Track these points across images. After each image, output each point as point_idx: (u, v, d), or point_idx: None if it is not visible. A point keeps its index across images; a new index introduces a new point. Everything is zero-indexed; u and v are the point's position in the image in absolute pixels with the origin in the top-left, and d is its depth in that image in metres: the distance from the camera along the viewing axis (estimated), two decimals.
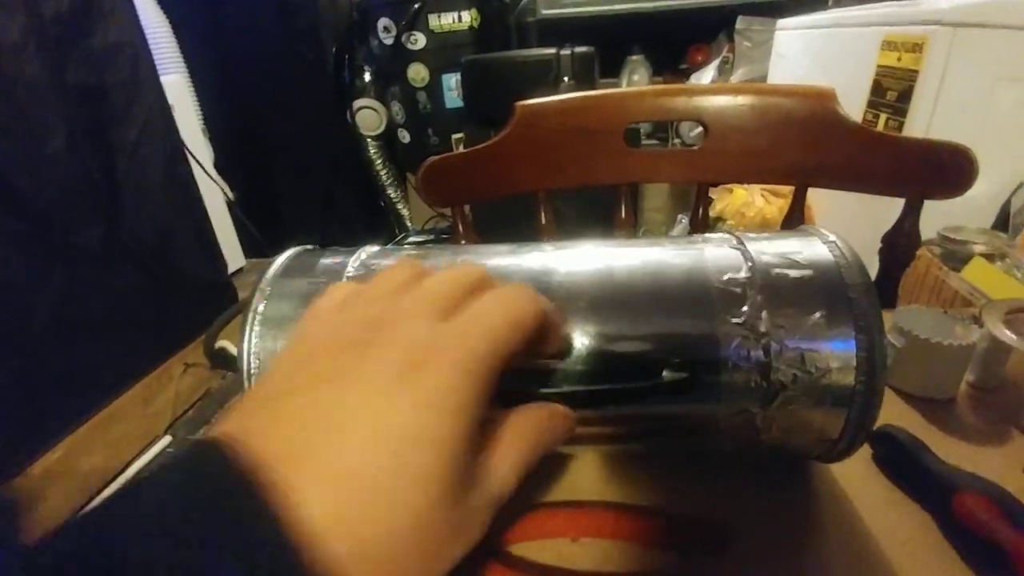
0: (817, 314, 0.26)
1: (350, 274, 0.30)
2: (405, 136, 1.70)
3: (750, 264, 0.28)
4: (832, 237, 0.30)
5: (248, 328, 0.29)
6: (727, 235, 0.31)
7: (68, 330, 1.08)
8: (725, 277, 0.27)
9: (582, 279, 0.28)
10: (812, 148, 0.58)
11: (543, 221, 0.65)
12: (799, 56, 1.31)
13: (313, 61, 1.77)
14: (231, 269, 1.84)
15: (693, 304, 0.27)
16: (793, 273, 0.27)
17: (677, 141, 1.58)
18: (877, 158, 0.55)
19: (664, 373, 0.25)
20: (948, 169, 0.52)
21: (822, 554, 0.27)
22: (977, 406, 0.38)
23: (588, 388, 0.25)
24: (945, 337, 0.37)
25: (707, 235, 0.32)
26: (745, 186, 1.37)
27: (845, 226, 0.30)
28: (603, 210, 0.67)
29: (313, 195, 1.90)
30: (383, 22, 1.56)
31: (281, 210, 2.02)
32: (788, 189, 1.28)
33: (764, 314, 0.26)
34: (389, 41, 1.58)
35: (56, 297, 1.05)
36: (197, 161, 1.59)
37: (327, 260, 0.32)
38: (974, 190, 0.93)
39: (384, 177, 1.75)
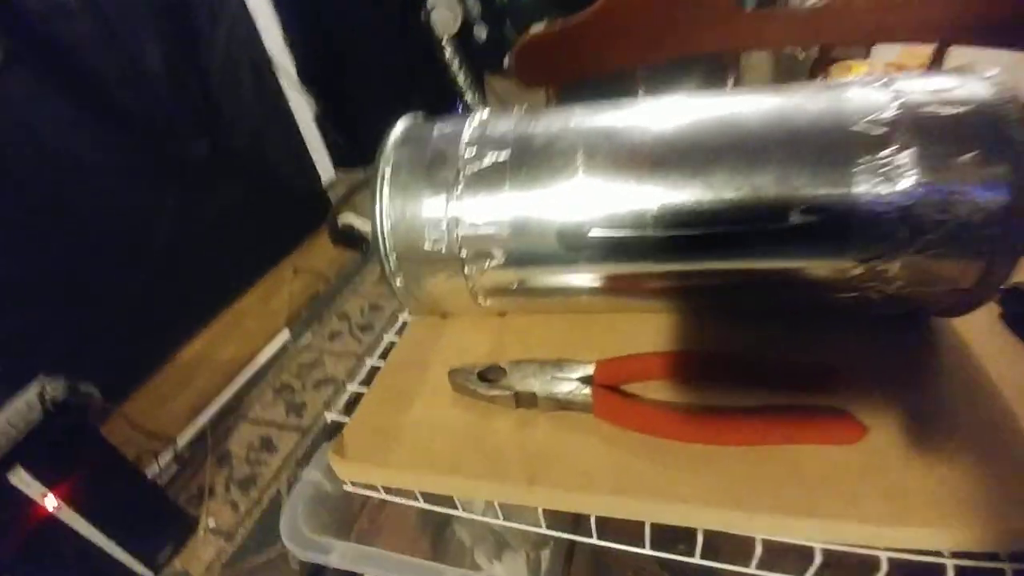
0: (970, 154, 0.24)
1: (468, 138, 0.32)
2: (481, 33, 1.62)
3: (899, 102, 0.25)
4: (992, 74, 0.26)
5: (379, 191, 0.32)
6: (874, 76, 0.28)
7: (190, 238, 1.22)
8: (867, 118, 0.25)
9: (704, 127, 0.28)
10: None
11: None
12: None
13: None
14: (323, 180, 1.94)
15: (828, 148, 0.25)
16: (946, 111, 0.25)
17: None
18: None
19: (791, 216, 0.25)
20: None
21: (938, 398, 0.27)
22: None
23: (710, 231, 0.26)
24: None
25: (852, 78, 0.29)
26: (866, 62, 1.19)
27: None
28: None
29: (393, 104, 1.90)
30: None
31: (365, 120, 2.05)
32: (920, 59, 1.10)
33: (910, 155, 0.24)
34: None
35: (176, 208, 1.18)
36: (284, 73, 1.64)
37: (443, 126, 0.34)
38: None
39: (461, 81, 1.70)
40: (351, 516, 0.38)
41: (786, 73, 1.45)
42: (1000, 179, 0.24)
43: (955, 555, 0.23)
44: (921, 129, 0.25)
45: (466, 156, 0.30)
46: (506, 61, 0.62)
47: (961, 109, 0.25)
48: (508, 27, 1.54)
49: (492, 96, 1.73)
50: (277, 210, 1.52)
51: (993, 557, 0.24)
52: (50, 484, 0.58)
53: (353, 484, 0.31)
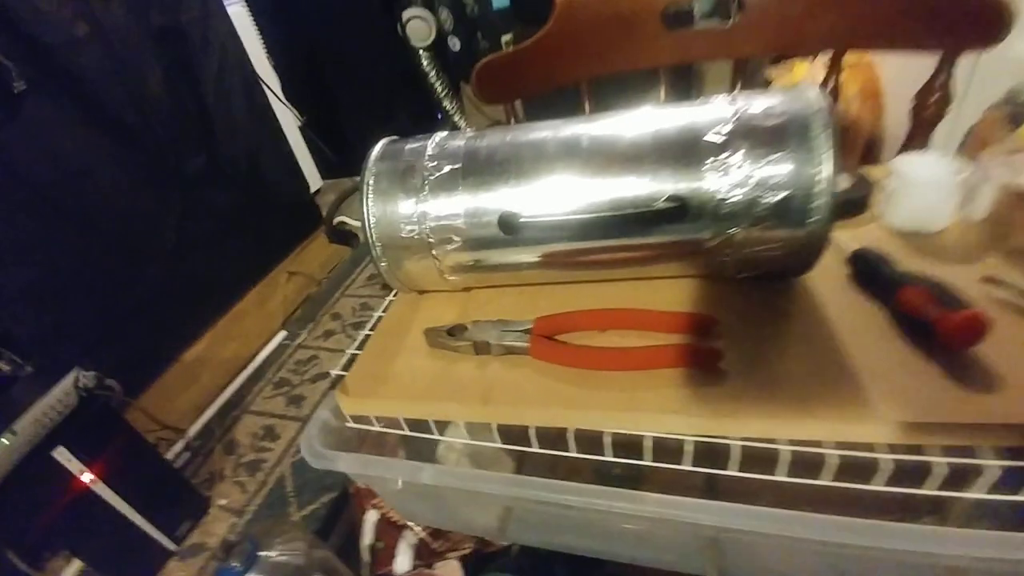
0: (783, 153, 0.34)
1: (430, 153, 0.41)
2: (455, 44, 1.71)
3: (737, 116, 0.35)
4: (814, 93, 0.36)
5: (365, 196, 0.42)
6: (727, 96, 0.38)
7: (191, 245, 1.31)
8: (713, 129, 0.35)
9: (604, 141, 0.38)
10: (847, 10, 0.59)
11: (587, 111, 0.71)
12: None
13: None
14: (311, 189, 2.03)
15: (685, 153, 0.35)
16: (770, 122, 0.35)
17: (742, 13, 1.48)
18: (912, 12, 0.56)
19: (661, 203, 0.35)
20: (982, 17, 0.52)
21: (792, 338, 0.37)
22: (963, 236, 0.43)
23: (606, 215, 0.35)
24: (934, 176, 0.43)
25: (711, 97, 0.39)
26: (809, 60, 1.30)
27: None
28: (649, 99, 0.72)
29: (375, 114, 2.00)
30: None
31: (346, 131, 2.14)
32: (852, 60, 1.21)
33: (741, 155, 0.34)
34: None
35: (178, 218, 1.27)
36: (269, 88, 1.72)
37: (411, 145, 0.43)
38: None
39: (439, 89, 1.79)
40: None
41: (744, 74, 1.57)
42: (804, 171, 0.34)
43: (792, 442, 0.32)
44: (750, 135, 0.34)
45: (429, 167, 0.40)
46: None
47: (780, 119, 0.35)
48: (479, 39, 1.63)
49: (468, 103, 1.82)
50: (270, 218, 1.60)
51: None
52: (86, 462, 0.67)
53: (353, 419, 0.40)
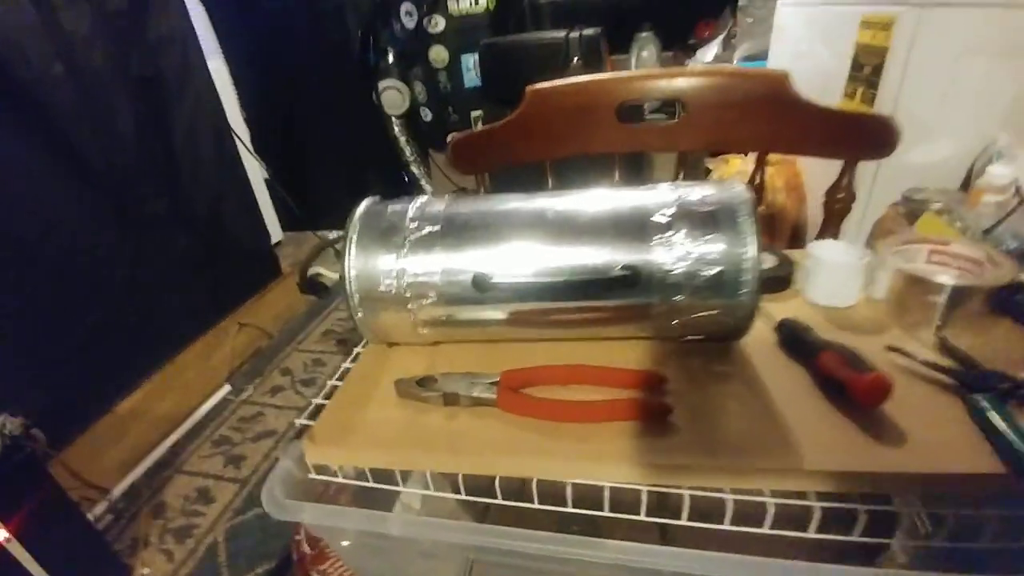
0: (716, 234, 0.40)
1: (412, 215, 0.45)
2: (427, 114, 1.82)
3: (679, 202, 0.42)
4: (739, 187, 0.43)
5: (348, 249, 0.44)
6: (670, 184, 0.44)
7: (140, 290, 1.27)
8: (659, 211, 0.41)
9: (567, 214, 0.43)
10: (769, 121, 0.70)
11: (549, 186, 0.79)
12: (798, 31, 1.39)
13: (340, 44, 1.90)
14: (272, 241, 2.01)
15: (636, 230, 0.41)
16: (704, 209, 0.41)
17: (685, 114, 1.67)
18: (821, 128, 0.68)
19: (615, 271, 0.40)
20: (876, 135, 0.64)
21: (731, 395, 0.41)
22: (869, 311, 0.51)
23: (568, 279, 0.40)
24: (843, 260, 0.50)
25: (657, 184, 0.45)
26: (741, 156, 1.48)
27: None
28: (604, 178, 0.80)
29: (342, 173, 2.05)
30: (405, 6, 1.68)
31: (313, 187, 2.18)
32: (778, 157, 1.38)
33: (682, 235, 0.40)
34: (411, 24, 1.70)
35: (130, 260, 1.24)
36: (240, 140, 1.75)
37: (394, 207, 0.47)
38: (944, 153, 1.03)
39: (408, 154, 1.88)
40: None
41: (687, 164, 1.75)
42: (735, 249, 0.40)
43: (735, 491, 0.35)
44: (688, 218, 0.40)
45: (411, 227, 0.43)
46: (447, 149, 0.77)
47: (713, 207, 0.41)
48: (450, 112, 1.76)
49: (436, 169, 1.92)
50: (227, 266, 1.58)
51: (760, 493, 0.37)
52: (2, 517, 0.61)
53: (316, 470, 0.41)
